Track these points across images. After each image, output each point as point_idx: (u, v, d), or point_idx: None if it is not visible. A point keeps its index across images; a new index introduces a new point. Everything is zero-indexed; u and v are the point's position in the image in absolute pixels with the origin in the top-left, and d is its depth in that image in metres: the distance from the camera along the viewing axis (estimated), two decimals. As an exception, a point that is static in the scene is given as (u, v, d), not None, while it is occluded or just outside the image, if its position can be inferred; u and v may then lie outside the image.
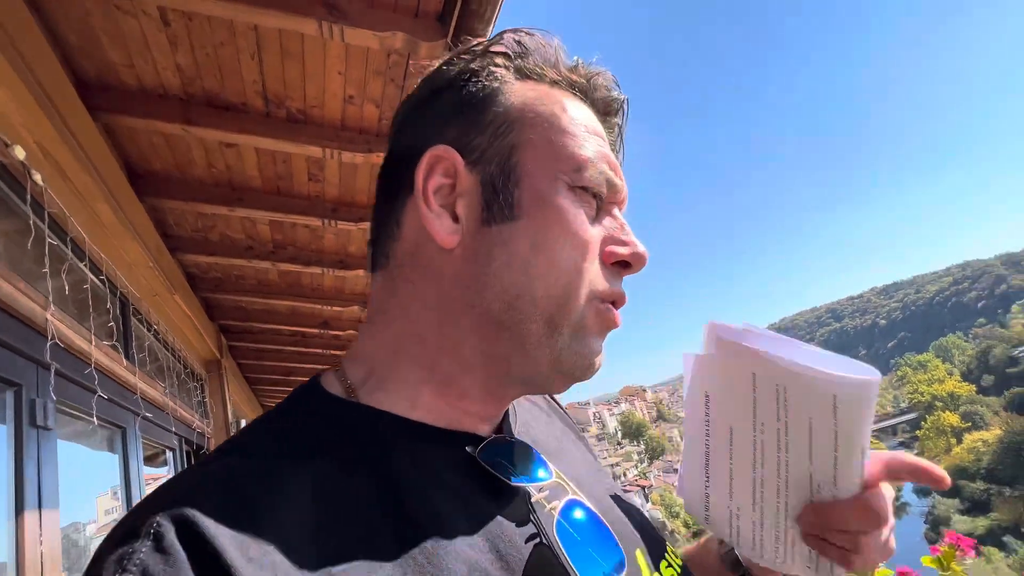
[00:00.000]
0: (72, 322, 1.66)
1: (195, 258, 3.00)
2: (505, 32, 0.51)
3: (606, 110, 0.52)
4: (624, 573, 0.48)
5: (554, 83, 0.50)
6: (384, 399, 0.46)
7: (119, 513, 2.11)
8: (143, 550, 0.32)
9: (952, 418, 75.85)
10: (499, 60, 0.49)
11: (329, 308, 3.80)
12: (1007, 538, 51.27)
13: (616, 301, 0.48)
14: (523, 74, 0.49)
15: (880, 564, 0.52)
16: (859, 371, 0.46)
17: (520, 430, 0.55)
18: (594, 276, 0.46)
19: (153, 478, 3.07)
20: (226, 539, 0.33)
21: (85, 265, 1.81)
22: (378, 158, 2.15)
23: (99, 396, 1.68)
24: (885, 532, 0.51)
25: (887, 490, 0.51)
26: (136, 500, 2.09)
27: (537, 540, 0.44)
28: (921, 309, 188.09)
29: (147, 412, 2.21)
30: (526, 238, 0.45)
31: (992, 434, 64.26)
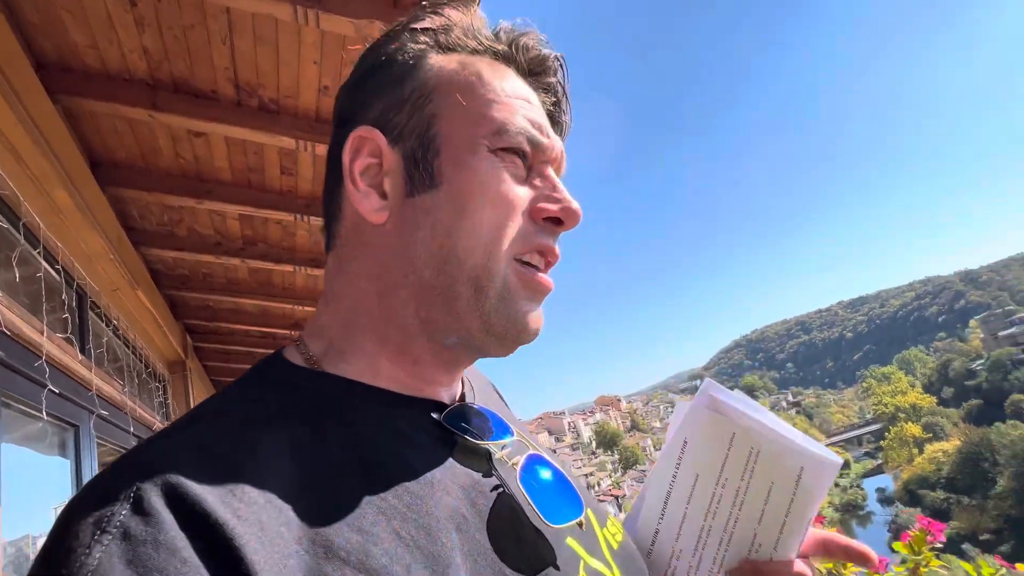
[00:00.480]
0: (22, 311, 1.57)
1: (160, 253, 2.90)
2: (425, 6, 0.51)
3: (535, 70, 0.53)
4: (583, 525, 0.50)
5: (475, 52, 0.50)
6: (347, 369, 0.48)
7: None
8: (123, 512, 0.32)
9: (914, 429, 78.21)
10: (420, 37, 0.50)
11: (301, 308, 3.71)
12: (965, 546, 52.87)
13: (545, 254, 0.49)
14: (443, 47, 0.50)
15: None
16: (826, 453, 0.53)
17: (479, 399, 0.57)
18: (515, 235, 0.47)
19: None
20: (213, 498, 0.33)
21: (39, 253, 1.72)
22: (353, 151, 2.11)
23: (49, 390, 1.59)
24: None
25: (814, 571, 0.57)
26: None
27: (500, 490, 0.46)
28: (885, 322, 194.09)
29: (103, 410, 2.10)
30: (448, 203, 0.46)
31: (951, 444, 66.44)
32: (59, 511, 0.34)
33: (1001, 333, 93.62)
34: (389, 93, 0.49)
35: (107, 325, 2.47)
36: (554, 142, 0.51)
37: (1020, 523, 51.92)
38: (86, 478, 1.97)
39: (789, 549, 0.55)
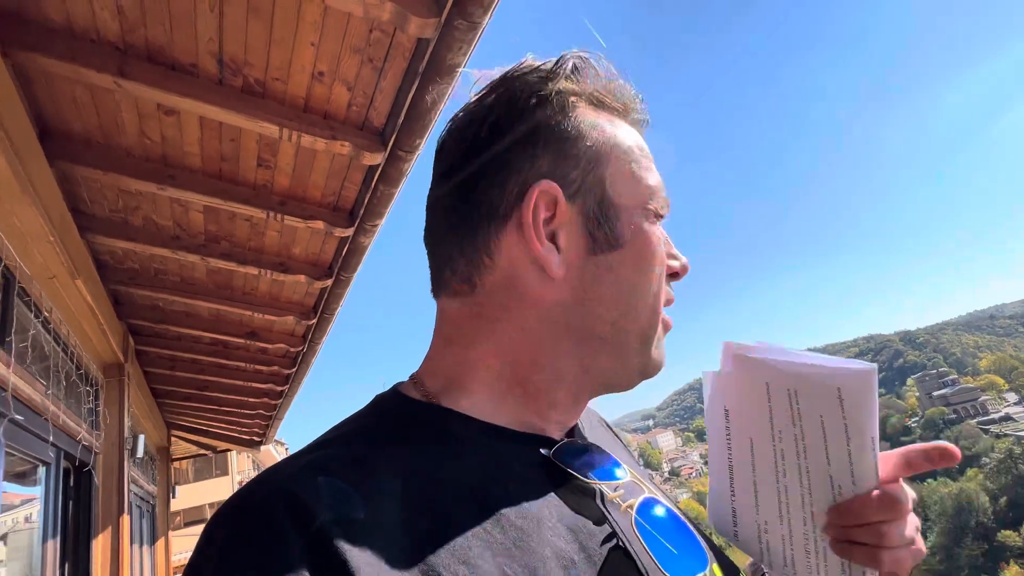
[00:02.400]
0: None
1: (110, 242, 2.61)
2: (566, 55, 0.52)
3: (642, 131, 0.56)
4: None
5: (614, 111, 0.53)
6: (465, 404, 0.49)
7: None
8: (255, 526, 0.36)
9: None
10: (571, 86, 0.51)
11: (260, 316, 3.44)
12: (897, 600, 54.21)
13: (670, 303, 0.55)
14: (592, 103, 0.52)
15: (911, 565, 0.52)
16: (856, 364, 0.50)
17: (590, 436, 0.57)
18: (665, 289, 0.53)
19: (20, 498, 2.56)
20: (330, 522, 0.36)
21: (-40, 223, 1.47)
22: (341, 147, 1.94)
23: (-49, 386, 1.33)
24: (908, 525, 0.52)
25: (908, 490, 0.53)
26: (-16, 523, 1.67)
27: (613, 543, 0.44)
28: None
29: (18, 414, 1.80)
30: (630, 263, 0.49)
31: (887, 498, 68.71)
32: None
33: (935, 393, 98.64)
34: (558, 147, 0.49)
35: (36, 316, 2.17)
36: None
37: (947, 579, 53.66)
38: (-14, 494, 1.67)
39: (868, 477, 0.51)
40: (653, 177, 0.52)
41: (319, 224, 2.40)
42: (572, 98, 0.50)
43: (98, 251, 2.75)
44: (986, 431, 78.44)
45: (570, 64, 0.51)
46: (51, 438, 2.17)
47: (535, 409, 0.50)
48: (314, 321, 3.42)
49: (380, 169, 2.05)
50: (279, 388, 4.73)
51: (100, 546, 2.92)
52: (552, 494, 0.45)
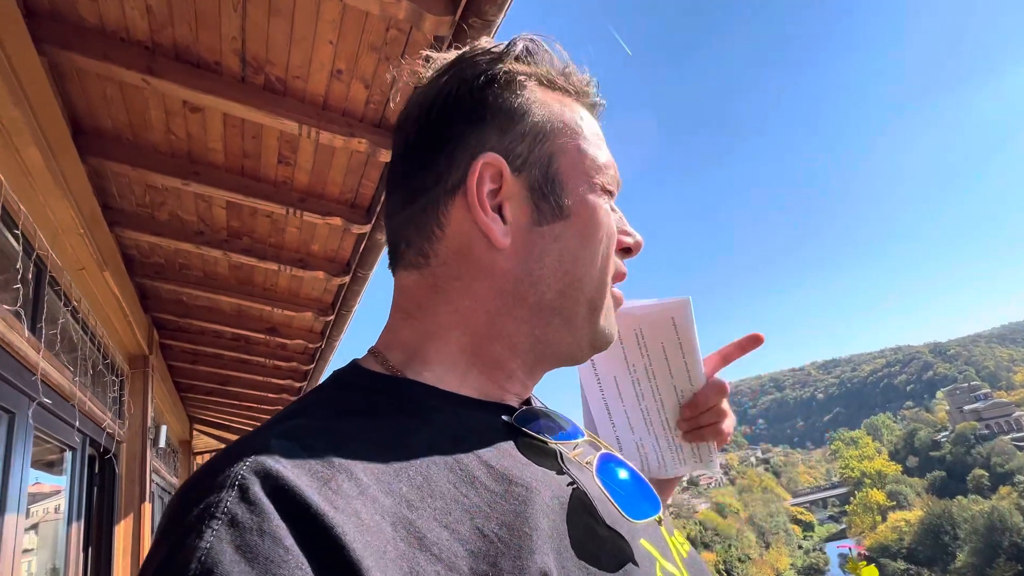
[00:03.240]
0: (-34, 274, 1.39)
1: (137, 236, 2.70)
2: (517, 38, 0.55)
3: (595, 106, 0.59)
4: (661, 521, 0.54)
5: (565, 92, 0.55)
6: (428, 376, 0.50)
7: None
8: (229, 499, 0.34)
9: (879, 496, 78.46)
10: (521, 67, 0.53)
11: (280, 312, 3.51)
12: (924, 620, 52.47)
13: (623, 278, 0.57)
14: (542, 83, 0.54)
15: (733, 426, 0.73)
16: (677, 297, 0.67)
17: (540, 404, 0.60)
18: (615, 262, 0.55)
19: (50, 488, 2.65)
20: (310, 490, 0.35)
21: (-4, 212, 1.54)
22: (359, 144, 1.98)
23: (-16, 366, 1.39)
24: (726, 401, 0.72)
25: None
26: (12, 502, 1.74)
27: (575, 486, 0.47)
28: (856, 387, 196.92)
29: (46, 398, 1.88)
30: (575, 234, 0.51)
31: (914, 515, 66.67)
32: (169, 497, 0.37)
33: (966, 407, 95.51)
34: (506, 123, 0.51)
35: (65, 306, 2.26)
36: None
37: (978, 600, 51.80)
38: (15, 472, 1.74)
39: (700, 378, 0.69)
40: (602, 155, 0.54)
41: (337, 221, 2.44)
42: (521, 77, 0.52)
43: (126, 245, 2.85)
44: (1021, 448, 75.73)
45: (520, 46, 0.53)
46: (77, 423, 2.25)
47: (493, 379, 0.52)
48: (332, 318, 3.48)
49: (396, 166, 2.08)
50: (298, 384, 4.81)
51: (122, 532, 3.00)
52: (519, 454, 0.48)
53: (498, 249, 0.50)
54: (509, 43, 0.54)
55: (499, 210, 0.50)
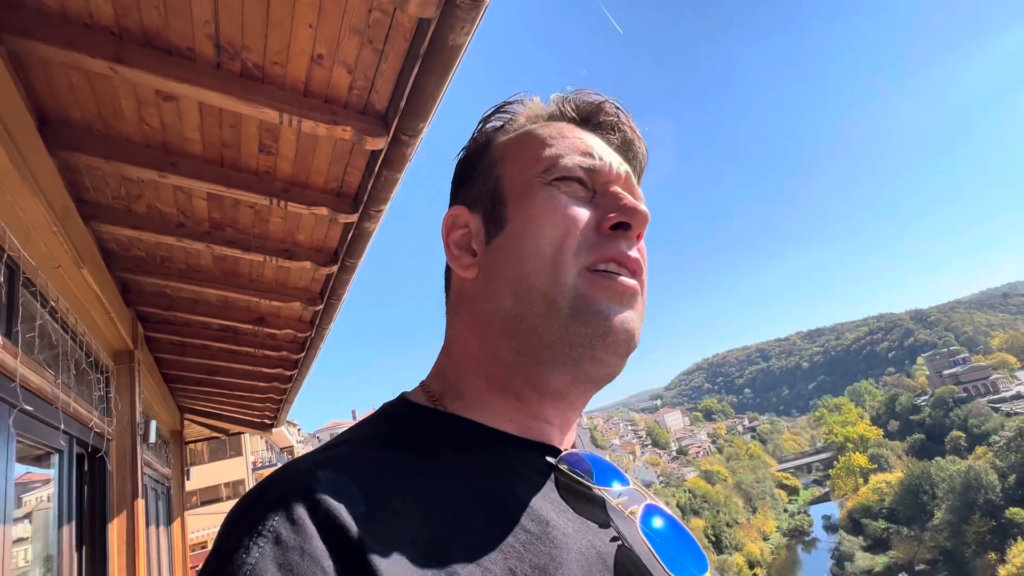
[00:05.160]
0: (-69, 283, 1.31)
1: (114, 230, 2.60)
2: (490, 113, 0.61)
3: (585, 117, 0.59)
4: None
5: (531, 122, 0.59)
6: (463, 407, 0.52)
7: None
8: (275, 519, 0.37)
9: (861, 459, 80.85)
10: (491, 135, 0.60)
11: (267, 302, 3.44)
12: (902, 575, 54.67)
13: (620, 261, 0.50)
14: (506, 132, 0.59)
15: None
16: None
17: (588, 447, 0.62)
18: (581, 248, 0.50)
19: (39, 478, 2.59)
20: (349, 516, 0.37)
21: (-40, 215, 1.45)
22: (343, 132, 1.90)
23: (-43, 379, 1.32)
24: None
25: None
26: (-2, 513, 1.69)
27: (619, 542, 0.46)
28: (840, 355, 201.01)
29: (28, 404, 1.81)
30: (514, 236, 0.52)
31: (895, 476, 68.90)
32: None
33: (945, 372, 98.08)
34: (468, 176, 0.59)
35: (42, 306, 2.17)
36: (611, 162, 0.54)
37: (953, 556, 54.03)
38: (-1, 482, 1.68)
39: None
40: (551, 149, 0.54)
41: (323, 210, 2.37)
42: (482, 137, 0.60)
43: (103, 239, 2.75)
44: (996, 410, 78.08)
45: (489, 118, 0.61)
46: (62, 426, 2.19)
47: (513, 404, 0.52)
48: (321, 307, 3.42)
49: (383, 154, 2.01)
50: (288, 372, 4.76)
51: (116, 530, 2.97)
52: (560, 499, 0.47)
53: (472, 280, 0.54)
54: (483, 118, 0.61)
55: (470, 247, 0.55)
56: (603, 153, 0.55)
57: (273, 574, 0.34)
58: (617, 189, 0.53)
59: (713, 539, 63.66)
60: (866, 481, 73.86)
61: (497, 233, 0.53)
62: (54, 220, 1.96)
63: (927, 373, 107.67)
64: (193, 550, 6.84)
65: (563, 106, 0.59)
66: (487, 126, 0.60)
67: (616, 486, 0.51)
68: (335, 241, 2.80)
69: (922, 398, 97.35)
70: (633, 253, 0.51)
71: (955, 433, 78.12)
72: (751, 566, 61.51)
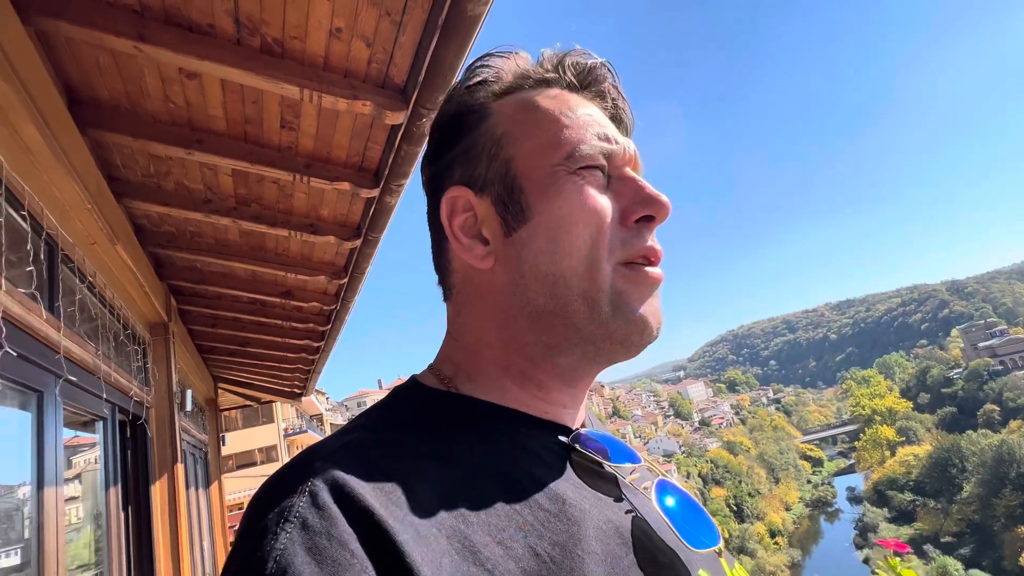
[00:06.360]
0: (-23, 260, 1.37)
1: (146, 207, 2.67)
2: (473, 64, 0.57)
3: (586, 82, 0.55)
4: (720, 553, 0.50)
5: (528, 87, 0.55)
6: (476, 390, 0.52)
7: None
8: (301, 504, 0.37)
9: (888, 432, 79.83)
10: (478, 92, 0.55)
11: (294, 276, 3.51)
12: (927, 547, 54.44)
13: (648, 256, 0.50)
14: (500, 95, 0.55)
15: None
16: None
17: (596, 427, 0.60)
18: (613, 243, 0.49)
19: (87, 441, 2.75)
20: (372, 498, 0.38)
21: (0, 194, 1.51)
22: (363, 106, 1.90)
23: (6, 351, 1.40)
24: None
25: None
26: (49, 475, 1.81)
27: (633, 514, 0.47)
28: (870, 326, 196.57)
29: (71, 375, 1.91)
30: (543, 231, 0.49)
31: (923, 449, 67.93)
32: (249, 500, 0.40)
33: (981, 344, 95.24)
34: (465, 151, 0.54)
35: (81, 281, 2.26)
36: (625, 145, 0.53)
37: (981, 528, 53.43)
38: (48, 448, 1.79)
39: None
40: (567, 132, 0.50)
41: (345, 185, 2.38)
42: (473, 102, 0.55)
43: (135, 215, 2.82)
44: (1034, 383, 75.81)
45: (473, 72, 0.56)
46: (104, 395, 2.31)
47: (532, 393, 0.52)
48: (345, 280, 3.48)
49: (403, 128, 2.00)
50: (315, 344, 4.88)
51: (158, 491, 3.14)
52: (575, 476, 0.48)
53: (488, 270, 0.52)
54: (464, 74, 0.57)
55: (480, 234, 0.52)
56: (614, 133, 0.53)
57: (302, 558, 0.34)
58: (633, 175, 0.52)
59: (735, 509, 64.15)
60: (893, 454, 73.05)
61: (518, 225, 0.50)
62: (88, 198, 2.02)
63: (961, 345, 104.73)
64: (230, 510, 7.21)
65: (561, 71, 0.55)
66: (476, 89, 0.55)
67: (627, 465, 0.52)
68: (358, 216, 2.83)
69: (955, 371, 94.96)
70: (658, 245, 0.51)
71: (988, 406, 76.31)
72: (772, 535, 61.96)
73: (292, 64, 1.80)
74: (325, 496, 0.37)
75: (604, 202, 0.49)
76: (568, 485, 0.46)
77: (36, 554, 1.67)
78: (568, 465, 0.49)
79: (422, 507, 0.39)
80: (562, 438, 0.51)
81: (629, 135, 0.57)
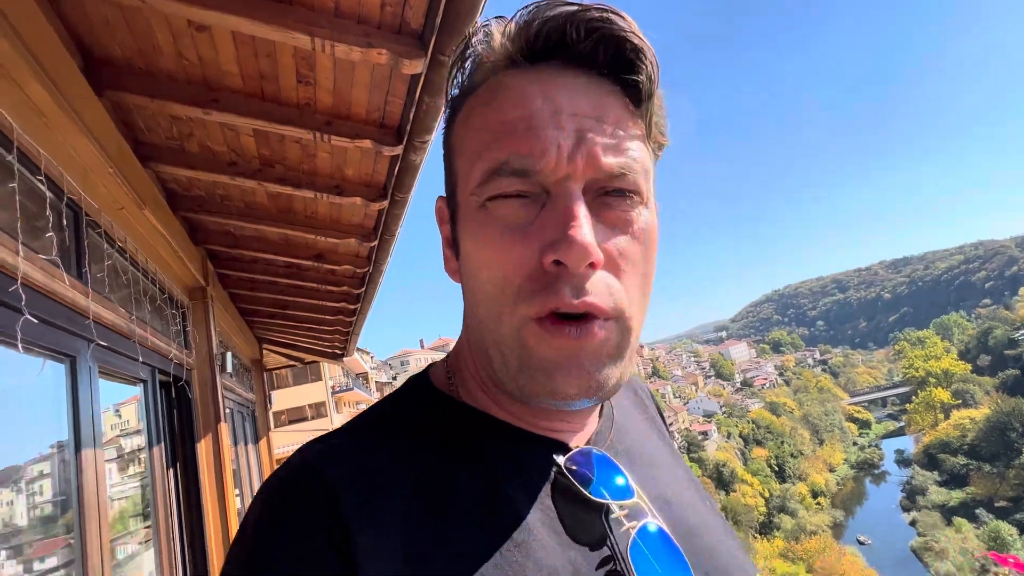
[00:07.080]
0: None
1: (173, 170, 2.65)
2: (452, 59, 0.50)
3: (546, 53, 0.44)
4: None
5: (492, 73, 0.46)
6: (471, 396, 0.51)
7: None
8: (286, 470, 0.44)
9: (943, 394, 76.78)
10: (454, 82, 0.49)
11: (324, 239, 3.48)
12: (980, 511, 52.91)
13: (561, 312, 0.41)
14: (466, 92, 0.48)
15: None
16: None
17: (615, 436, 0.54)
18: (522, 292, 0.42)
19: (134, 400, 2.85)
20: (351, 504, 0.40)
21: (13, 157, 1.47)
22: (379, 55, 1.76)
23: (26, 318, 1.39)
24: None
25: None
26: (86, 437, 1.85)
27: (610, 566, 0.44)
28: (928, 285, 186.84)
29: (103, 340, 1.92)
30: (464, 267, 0.47)
31: (980, 412, 65.16)
32: None
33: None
34: (446, 152, 0.51)
35: (111, 246, 2.27)
36: (556, 153, 0.40)
37: (1040, 494, 51.35)
38: (84, 411, 1.82)
39: None
40: (485, 156, 0.42)
41: (367, 143, 2.28)
42: (450, 97, 0.50)
43: (164, 179, 2.81)
44: (1110, 345, 70.88)
45: (458, 64, 0.48)
46: (140, 358, 2.35)
47: (525, 408, 0.49)
48: (375, 243, 3.42)
49: (423, 78, 1.87)
50: (351, 306, 4.92)
51: (203, 449, 3.26)
52: (551, 506, 0.45)
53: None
54: (450, 67, 0.50)
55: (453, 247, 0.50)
56: (553, 131, 0.41)
57: (278, 539, 0.40)
58: (565, 199, 0.40)
59: (776, 469, 63.71)
60: (947, 417, 70.39)
61: (458, 252, 0.48)
62: (109, 162, 1.99)
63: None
64: (278, 463, 7.58)
65: (509, 46, 0.45)
66: (455, 70, 0.49)
67: (622, 492, 0.47)
68: (383, 175, 2.73)
69: (1021, 332, 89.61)
70: (581, 298, 0.39)
71: (1056, 369, 71.97)
72: (814, 495, 61.45)
73: (301, 10, 1.67)
74: (307, 474, 0.42)
75: (512, 244, 0.41)
76: (541, 515, 0.44)
77: (77, 516, 1.72)
78: (550, 489, 0.46)
79: (392, 524, 0.40)
80: (556, 457, 0.47)
81: (645, 88, 0.43)
